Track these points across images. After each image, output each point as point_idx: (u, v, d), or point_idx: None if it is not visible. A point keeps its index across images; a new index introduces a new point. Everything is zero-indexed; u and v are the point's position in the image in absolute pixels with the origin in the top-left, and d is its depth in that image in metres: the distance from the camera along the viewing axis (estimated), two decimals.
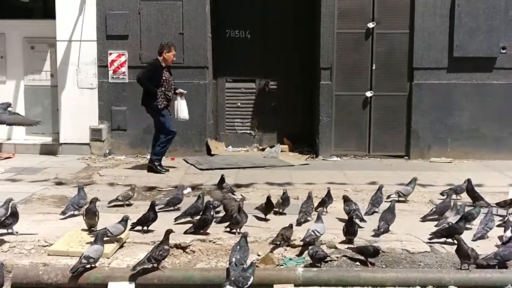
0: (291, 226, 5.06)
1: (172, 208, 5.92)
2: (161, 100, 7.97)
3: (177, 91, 8.27)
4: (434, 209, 5.73)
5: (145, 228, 5.26)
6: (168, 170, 8.18)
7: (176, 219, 5.51)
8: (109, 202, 6.15)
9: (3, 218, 5.07)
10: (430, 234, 5.11)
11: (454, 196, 6.21)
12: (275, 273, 4.48)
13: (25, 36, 9.87)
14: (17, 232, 5.06)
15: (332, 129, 9.45)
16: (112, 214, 5.65)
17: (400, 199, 6.37)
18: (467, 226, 5.24)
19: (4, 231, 5.05)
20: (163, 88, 7.97)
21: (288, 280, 4.39)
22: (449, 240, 4.95)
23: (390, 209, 5.44)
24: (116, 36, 9.32)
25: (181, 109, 8.32)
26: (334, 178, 7.67)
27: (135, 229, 5.26)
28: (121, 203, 6.13)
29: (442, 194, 6.46)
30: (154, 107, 8.00)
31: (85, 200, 5.62)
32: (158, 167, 8.14)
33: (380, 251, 4.74)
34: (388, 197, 6.40)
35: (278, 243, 4.96)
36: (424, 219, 5.69)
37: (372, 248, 4.71)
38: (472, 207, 5.63)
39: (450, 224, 5.13)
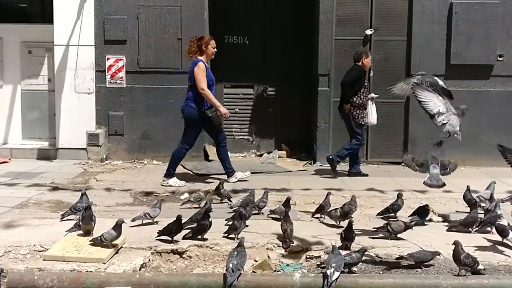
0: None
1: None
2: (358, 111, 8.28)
3: (368, 96, 8.36)
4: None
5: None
6: (366, 175, 8.39)
7: (183, 224, 5.48)
8: (182, 203, 6.45)
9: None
10: None
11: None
12: (272, 278, 4.46)
13: (22, 41, 9.85)
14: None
15: (329, 135, 9.44)
16: (108, 219, 5.61)
17: (481, 204, 6.39)
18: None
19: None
20: (362, 96, 8.25)
21: (285, 285, 4.36)
22: None
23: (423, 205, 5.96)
24: (114, 41, 9.29)
25: (372, 114, 8.42)
26: (331, 184, 7.67)
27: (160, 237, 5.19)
28: (191, 204, 6.29)
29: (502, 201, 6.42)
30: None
31: (83, 205, 5.58)
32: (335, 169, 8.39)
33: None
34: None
35: (286, 239, 5.08)
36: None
37: (429, 252, 4.79)
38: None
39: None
